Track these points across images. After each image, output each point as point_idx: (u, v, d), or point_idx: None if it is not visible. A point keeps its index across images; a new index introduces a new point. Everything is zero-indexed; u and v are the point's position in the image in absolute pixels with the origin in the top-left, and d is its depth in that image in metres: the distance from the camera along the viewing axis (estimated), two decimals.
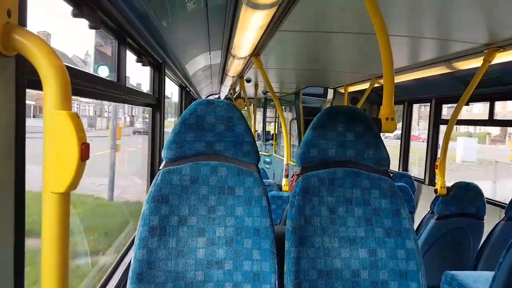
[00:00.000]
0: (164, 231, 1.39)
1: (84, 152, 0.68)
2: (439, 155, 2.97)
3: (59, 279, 0.68)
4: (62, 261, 0.69)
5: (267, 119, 9.97)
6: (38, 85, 0.74)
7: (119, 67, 1.71)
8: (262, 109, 9.78)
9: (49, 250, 0.68)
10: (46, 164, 0.67)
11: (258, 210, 1.46)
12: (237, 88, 5.93)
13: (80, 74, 1.21)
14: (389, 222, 1.54)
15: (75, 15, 1.16)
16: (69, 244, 0.71)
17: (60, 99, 0.66)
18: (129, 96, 1.81)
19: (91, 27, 1.28)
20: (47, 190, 0.67)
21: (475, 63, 2.58)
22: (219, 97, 8.27)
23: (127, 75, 1.82)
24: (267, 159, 9.13)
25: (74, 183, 0.68)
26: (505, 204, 2.84)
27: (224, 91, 6.90)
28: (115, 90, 1.63)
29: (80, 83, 1.22)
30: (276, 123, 9.29)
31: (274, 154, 8.74)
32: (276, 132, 9.11)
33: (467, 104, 2.99)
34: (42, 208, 0.68)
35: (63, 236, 0.69)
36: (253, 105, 6.19)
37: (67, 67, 1.03)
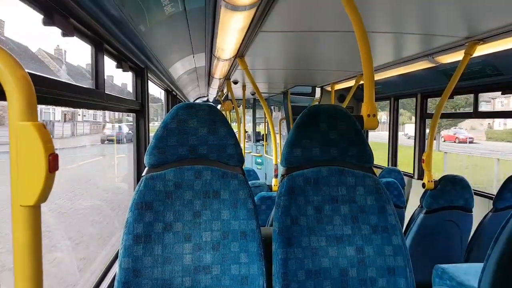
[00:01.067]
0: (149, 239, 1.37)
1: (53, 163, 0.66)
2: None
3: None
4: (35, 276, 0.67)
5: (257, 120, 9.97)
6: (1, 96, 0.72)
7: (97, 74, 1.68)
8: (251, 110, 9.77)
9: (21, 265, 0.66)
10: (14, 177, 0.66)
11: (244, 212, 1.44)
12: (225, 90, 5.91)
13: (55, 83, 1.19)
14: (375, 218, 1.53)
15: (45, 23, 1.13)
16: (42, 258, 0.70)
17: (24, 110, 0.65)
18: (109, 102, 1.78)
19: (64, 35, 1.25)
20: (16, 204, 0.66)
21: (457, 56, 2.60)
22: (207, 100, 8.24)
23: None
24: (259, 160, 9.13)
25: (44, 196, 0.67)
26: (493, 195, 2.87)
27: (212, 94, 6.87)
28: (94, 98, 1.60)
29: (55, 92, 1.19)
30: (266, 124, 9.30)
31: (265, 155, 8.74)
32: (266, 133, 9.11)
33: (451, 97, 3.02)
34: (12, 222, 0.66)
35: (35, 250, 0.67)
36: (242, 106, 6.18)
37: (38, 76, 1.01)
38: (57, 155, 0.67)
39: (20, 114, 0.64)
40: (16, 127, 0.64)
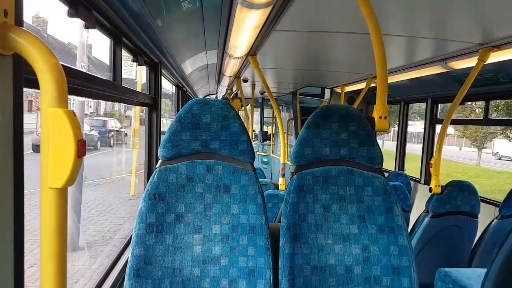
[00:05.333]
0: (161, 228, 1.41)
1: (81, 148, 0.69)
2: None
3: (57, 271, 0.71)
4: (60, 254, 0.71)
5: (265, 119, 9.99)
6: (34, 84, 0.75)
7: (115, 66, 1.72)
8: (259, 109, 9.79)
9: (48, 243, 0.70)
10: (44, 160, 0.68)
11: (254, 207, 1.47)
12: (234, 88, 5.94)
13: (76, 73, 1.22)
14: (382, 219, 1.55)
15: (70, 14, 1.17)
16: (67, 237, 0.73)
17: (56, 97, 0.68)
18: (125, 95, 1.82)
19: (86, 26, 1.30)
20: (45, 186, 0.69)
21: (470, 62, 2.60)
22: (216, 97, 8.28)
23: None
24: (265, 159, 9.15)
25: (71, 179, 0.70)
26: (499, 202, 2.86)
27: (221, 91, 6.91)
28: (111, 90, 1.64)
29: (76, 82, 1.23)
30: (274, 124, 9.31)
31: (272, 155, 8.76)
32: (273, 132, 9.13)
33: (462, 104, 3.01)
34: (40, 203, 0.70)
35: (61, 229, 0.71)
36: (250, 105, 6.20)
37: (63, 66, 1.04)
38: (85, 141, 0.70)
39: (51, 101, 0.67)
40: (47, 113, 0.67)
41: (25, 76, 0.78)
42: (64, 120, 0.67)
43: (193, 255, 1.42)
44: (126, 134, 12.97)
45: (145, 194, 1.42)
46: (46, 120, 0.68)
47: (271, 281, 1.43)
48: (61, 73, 0.69)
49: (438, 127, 4.22)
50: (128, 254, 1.43)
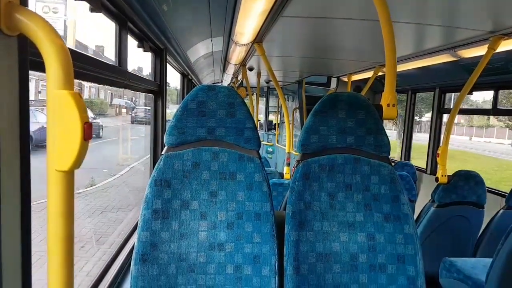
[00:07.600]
0: (167, 214, 1.41)
1: (87, 131, 0.68)
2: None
3: (64, 255, 0.71)
4: (67, 236, 0.71)
5: (270, 109, 9.95)
6: (40, 66, 0.74)
7: (120, 52, 1.71)
8: (264, 99, 9.75)
9: (54, 226, 0.70)
10: (50, 143, 0.68)
11: (259, 195, 1.47)
12: (240, 77, 5.91)
13: (81, 57, 1.21)
14: (388, 207, 1.54)
15: None
16: (73, 220, 0.73)
17: (62, 79, 0.67)
18: (131, 81, 1.81)
19: (92, 10, 1.28)
20: (51, 168, 0.68)
21: (480, 51, 2.56)
22: None
23: None
24: (270, 149, 9.15)
25: (78, 162, 0.69)
26: (506, 193, 2.85)
27: (227, 80, 6.88)
28: (117, 75, 1.63)
29: (82, 66, 1.22)
30: (279, 113, 9.28)
31: (277, 144, 8.75)
32: (278, 122, 9.10)
33: (470, 93, 2.98)
34: (47, 186, 0.69)
35: (68, 213, 0.71)
36: (256, 94, 6.17)
37: (69, 49, 1.04)
38: (91, 124, 0.69)
39: (57, 83, 0.66)
40: (53, 95, 0.66)
41: (30, 58, 0.77)
42: (70, 102, 0.66)
43: (199, 241, 1.43)
44: (102, 127, 12.07)
45: (151, 180, 1.42)
46: (52, 102, 0.67)
47: (276, 268, 1.43)
48: (67, 55, 0.68)
49: (446, 117, 4.19)
50: (134, 240, 1.44)
